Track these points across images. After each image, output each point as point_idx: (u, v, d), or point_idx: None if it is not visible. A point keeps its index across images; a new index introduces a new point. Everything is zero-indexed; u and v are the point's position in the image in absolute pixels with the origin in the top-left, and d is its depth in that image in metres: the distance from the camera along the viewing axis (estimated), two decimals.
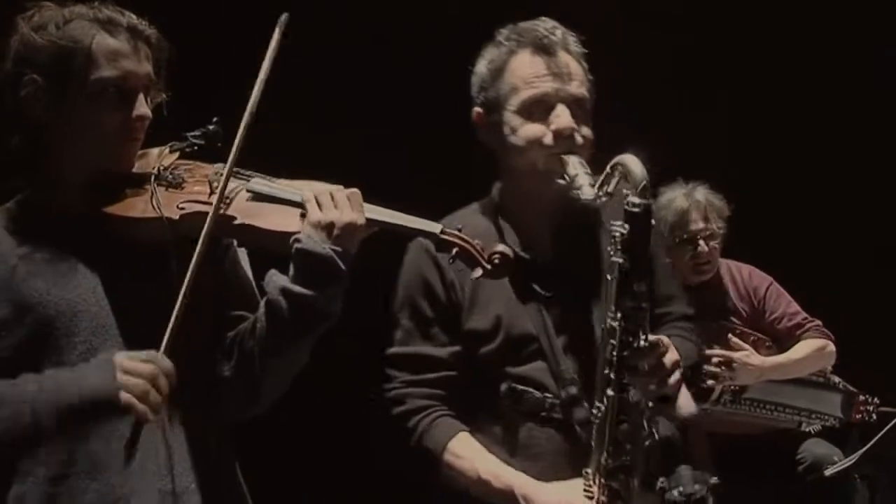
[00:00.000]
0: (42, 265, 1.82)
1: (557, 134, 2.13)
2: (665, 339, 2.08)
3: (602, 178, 2.03)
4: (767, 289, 3.91)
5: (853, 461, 3.59)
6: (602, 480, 2.05)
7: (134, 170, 1.90)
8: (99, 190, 1.86)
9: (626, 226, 1.99)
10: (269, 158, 1.91)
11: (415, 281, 2.20)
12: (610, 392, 2.03)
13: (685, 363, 2.17)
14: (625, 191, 2.00)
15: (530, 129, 2.15)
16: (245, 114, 1.86)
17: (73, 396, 1.71)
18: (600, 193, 2.03)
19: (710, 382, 3.68)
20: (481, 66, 2.23)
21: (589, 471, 2.07)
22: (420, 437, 2.14)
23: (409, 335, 2.20)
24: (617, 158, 2.01)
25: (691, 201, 3.83)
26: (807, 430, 3.90)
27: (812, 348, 3.79)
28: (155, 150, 1.95)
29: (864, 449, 3.55)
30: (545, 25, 2.20)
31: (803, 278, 4.01)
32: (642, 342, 2.02)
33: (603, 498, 2.05)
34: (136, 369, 1.69)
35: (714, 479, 2.89)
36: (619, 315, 2.01)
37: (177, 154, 1.95)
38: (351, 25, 3.87)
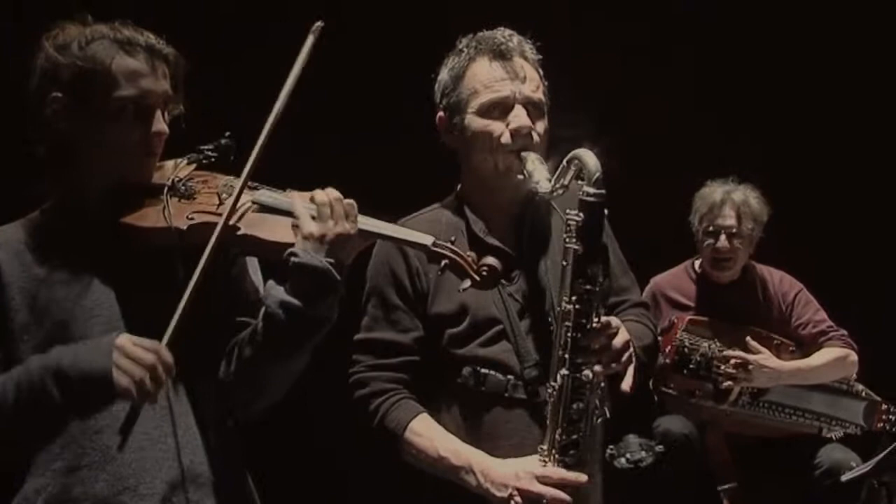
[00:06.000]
0: (62, 273, 1.93)
1: (515, 133, 2.25)
2: (616, 320, 2.19)
3: (558, 172, 2.15)
4: (796, 295, 3.95)
5: (869, 468, 3.58)
6: (556, 455, 2.16)
7: (151, 181, 1.99)
8: (116, 201, 1.95)
9: (581, 214, 2.11)
10: (274, 169, 2.00)
11: (381, 270, 2.32)
12: (564, 371, 2.14)
13: (642, 343, 2.29)
14: (579, 182, 2.13)
15: (490, 129, 2.28)
16: (265, 128, 1.93)
17: (70, 370, 1.78)
18: (557, 186, 2.15)
19: (726, 384, 3.74)
20: (444, 73, 2.37)
21: (544, 446, 2.18)
22: (381, 419, 2.25)
23: (375, 321, 2.32)
24: (573, 153, 2.13)
25: (727, 197, 3.91)
26: (828, 436, 3.91)
27: (832, 356, 3.81)
28: (171, 162, 2.03)
29: (881, 456, 3.54)
30: (502, 33, 2.33)
31: (833, 286, 4.03)
32: (594, 324, 2.13)
33: None
34: (135, 355, 1.75)
35: (660, 448, 2.94)
36: (573, 298, 2.12)
37: (193, 166, 2.03)
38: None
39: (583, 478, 2.14)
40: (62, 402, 1.79)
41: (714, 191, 3.96)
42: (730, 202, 3.90)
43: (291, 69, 1.97)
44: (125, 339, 1.78)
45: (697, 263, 4.07)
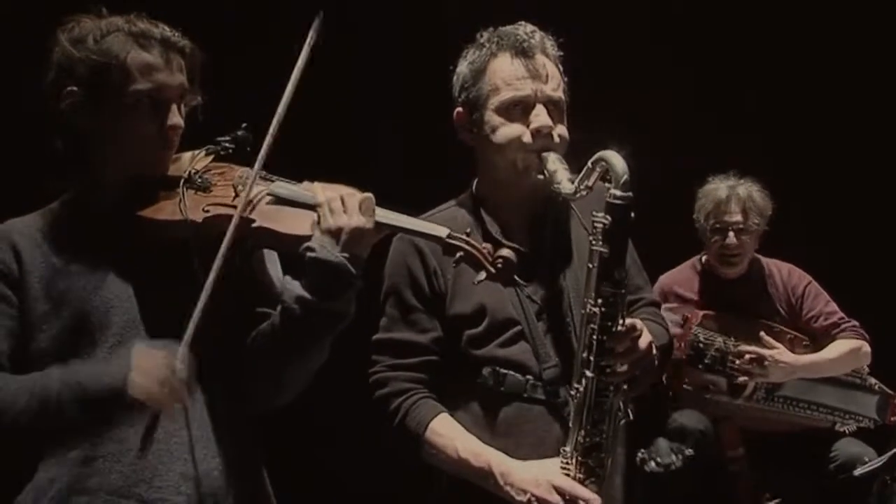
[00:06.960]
0: (80, 264, 1.94)
1: (536, 132, 2.23)
2: (639, 322, 2.17)
3: (582, 172, 2.12)
4: (806, 287, 3.95)
5: (883, 462, 3.59)
6: (578, 458, 2.15)
7: (168, 173, 2.00)
8: (133, 193, 1.96)
9: (608, 217, 2.09)
10: (290, 162, 2.01)
11: (399, 271, 2.29)
12: (588, 373, 2.13)
13: (659, 343, 2.27)
14: (606, 185, 2.10)
15: (510, 129, 2.24)
16: (273, 120, 1.95)
17: (90, 390, 1.82)
18: (580, 188, 2.12)
19: (741, 379, 3.75)
20: (463, 67, 2.33)
21: (567, 448, 2.17)
22: (402, 418, 2.23)
23: (393, 322, 2.30)
24: (599, 154, 2.10)
25: (732, 193, 3.91)
26: (841, 430, 3.92)
27: (846, 348, 3.82)
28: (188, 154, 2.04)
29: (894, 451, 3.55)
30: (524, 29, 2.30)
31: (844, 279, 4.04)
32: (619, 326, 2.12)
33: (579, 475, 2.15)
34: (150, 372, 1.80)
35: (689, 451, 2.96)
36: (598, 301, 2.10)
37: (210, 158, 2.04)
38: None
39: (596, 500, 2.13)
40: (78, 415, 1.82)
41: (718, 187, 3.96)
42: (735, 198, 3.91)
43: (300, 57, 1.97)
44: (140, 353, 1.82)
45: (704, 259, 4.07)
